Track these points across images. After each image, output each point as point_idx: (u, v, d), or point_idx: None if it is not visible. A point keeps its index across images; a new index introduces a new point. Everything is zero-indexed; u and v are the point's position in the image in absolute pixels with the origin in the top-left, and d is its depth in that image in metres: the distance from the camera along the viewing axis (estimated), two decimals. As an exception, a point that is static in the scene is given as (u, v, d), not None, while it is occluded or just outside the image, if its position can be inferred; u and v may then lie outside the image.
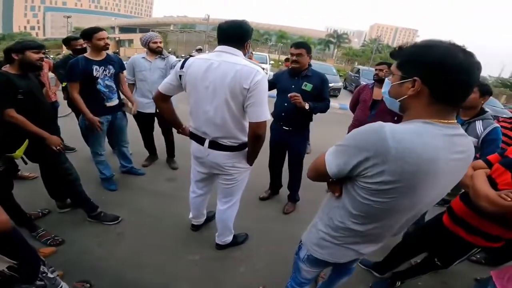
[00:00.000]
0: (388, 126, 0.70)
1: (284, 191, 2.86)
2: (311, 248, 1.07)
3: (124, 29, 52.69)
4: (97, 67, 2.22)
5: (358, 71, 12.56)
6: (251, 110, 1.36)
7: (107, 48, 2.28)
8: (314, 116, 2.41)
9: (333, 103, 2.81)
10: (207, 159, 1.60)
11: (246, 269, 1.95)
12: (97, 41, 2.17)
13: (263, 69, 5.79)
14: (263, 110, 1.37)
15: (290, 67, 2.31)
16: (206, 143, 1.53)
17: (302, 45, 2.18)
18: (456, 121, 0.76)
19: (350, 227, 0.90)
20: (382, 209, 0.80)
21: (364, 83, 3.13)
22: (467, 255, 1.43)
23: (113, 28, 51.87)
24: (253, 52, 9.23)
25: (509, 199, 1.04)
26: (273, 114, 2.48)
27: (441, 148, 0.71)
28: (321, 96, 2.30)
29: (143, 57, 2.75)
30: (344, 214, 0.90)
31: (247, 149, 1.60)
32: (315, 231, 1.04)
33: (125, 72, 2.62)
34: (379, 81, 2.50)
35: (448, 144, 0.72)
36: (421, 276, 1.77)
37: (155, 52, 2.72)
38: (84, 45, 2.63)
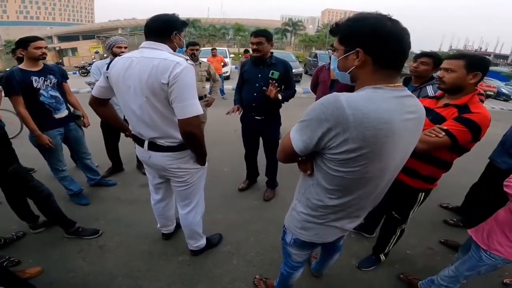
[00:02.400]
0: (343, 96, 0.73)
1: (262, 179, 2.91)
2: (296, 232, 1.08)
3: (64, 38, 48.05)
4: (36, 77, 2.08)
5: (316, 56, 13.19)
6: (175, 106, 1.25)
7: (44, 58, 2.13)
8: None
9: (297, 88, 2.92)
10: (150, 161, 1.53)
11: (239, 261, 1.96)
12: (33, 50, 2.03)
13: (223, 64, 5.70)
14: (190, 105, 1.25)
15: (252, 56, 2.32)
16: (145, 145, 1.46)
17: (262, 33, 2.18)
18: (401, 84, 0.81)
19: (328, 203, 0.92)
20: (354, 179, 0.83)
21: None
22: (416, 202, 1.56)
23: (50, 37, 47.14)
24: (216, 48, 9.11)
25: (433, 135, 1.25)
26: (242, 105, 2.49)
27: (393, 109, 0.74)
28: (288, 83, 2.35)
29: (107, 63, 2.59)
30: (320, 191, 0.92)
31: None
32: (296, 214, 1.05)
33: (89, 78, 2.47)
34: None
35: (400, 106, 0.76)
36: (396, 240, 1.84)
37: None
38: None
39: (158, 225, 2.04)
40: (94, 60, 13.22)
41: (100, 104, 1.51)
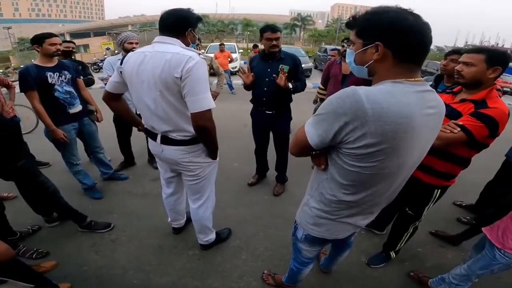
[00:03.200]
0: (362, 89, 0.71)
1: (271, 174, 2.91)
2: (308, 228, 1.07)
3: (75, 35, 48.96)
4: (51, 73, 2.12)
5: (325, 51, 12.95)
6: (188, 100, 1.26)
7: (58, 55, 2.18)
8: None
9: (307, 83, 2.90)
10: (162, 155, 1.54)
11: (248, 256, 1.97)
12: (48, 46, 2.08)
13: (230, 59, 5.62)
14: (203, 98, 1.26)
15: (261, 51, 2.31)
16: (158, 139, 1.48)
17: (278, 28, 2.20)
18: (421, 78, 0.79)
19: (342, 199, 0.90)
20: (371, 175, 0.81)
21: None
22: (432, 199, 1.52)
23: (62, 34, 48.14)
24: (224, 43, 9.12)
25: (448, 131, 1.22)
26: (253, 101, 2.48)
27: (414, 104, 0.72)
28: (297, 76, 2.32)
29: (119, 59, 2.63)
30: (334, 187, 0.89)
31: None
32: (308, 209, 1.03)
33: (102, 74, 2.50)
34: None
35: (420, 100, 0.75)
36: (408, 237, 1.82)
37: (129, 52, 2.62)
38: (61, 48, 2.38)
39: (169, 219, 2.06)
40: (105, 56, 13.42)
41: (114, 99, 1.53)
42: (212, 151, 1.54)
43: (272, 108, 2.37)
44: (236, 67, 10.02)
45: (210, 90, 3.45)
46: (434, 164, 1.40)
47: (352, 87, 0.73)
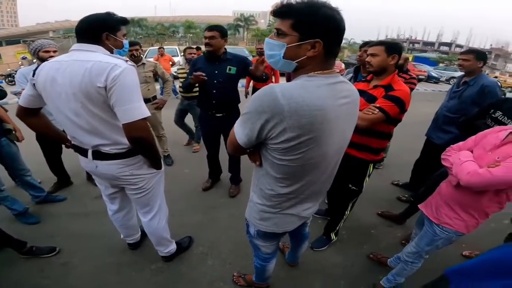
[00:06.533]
0: (277, 87, 0.74)
1: (224, 176, 2.91)
2: (256, 223, 1.10)
3: (-19, 44, 41.32)
4: None
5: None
6: (118, 110, 1.15)
7: None
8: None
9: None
10: (98, 171, 1.41)
11: (214, 261, 1.94)
12: None
13: (172, 63, 5.37)
14: (134, 108, 1.16)
15: (205, 52, 2.24)
16: (89, 154, 1.34)
17: (215, 28, 2.14)
18: (334, 70, 0.83)
19: (279, 192, 0.95)
20: (299, 166, 0.85)
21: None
22: (367, 172, 1.73)
23: (-35, 44, 40.06)
24: (164, 47, 8.70)
25: (369, 113, 1.45)
26: (201, 105, 2.42)
27: (326, 96, 0.77)
28: (249, 71, 2.27)
29: (34, 69, 2.28)
30: (270, 181, 0.94)
31: None
32: (253, 205, 1.07)
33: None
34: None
35: (333, 92, 0.79)
36: (346, 216, 1.94)
37: None
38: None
39: (122, 236, 1.92)
40: (22, 66, 11.60)
41: (30, 114, 1.34)
42: (153, 162, 1.44)
43: (221, 111, 2.33)
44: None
45: (154, 99, 3.22)
46: (368, 142, 1.62)
47: (270, 85, 0.77)
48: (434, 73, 16.22)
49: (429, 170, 2.25)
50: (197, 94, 2.51)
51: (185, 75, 3.39)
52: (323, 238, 2.09)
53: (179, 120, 3.71)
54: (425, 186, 2.06)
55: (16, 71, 11.57)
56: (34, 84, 1.23)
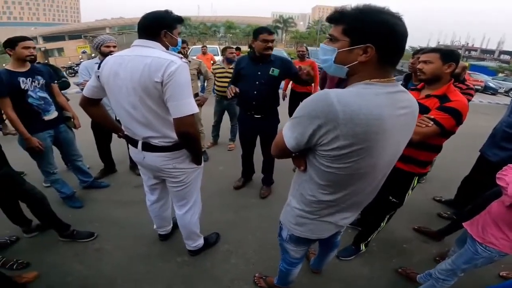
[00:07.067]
0: (333, 92, 0.72)
1: (257, 176, 2.91)
2: (291, 227, 1.08)
3: (49, 38, 46.65)
4: (24, 78, 2.01)
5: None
6: (170, 105, 1.22)
7: (32, 60, 2.07)
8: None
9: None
10: (144, 162, 1.49)
11: (238, 260, 1.95)
12: (21, 50, 1.97)
13: (213, 62, 5.57)
14: (185, 104, 1.22)
15: (259, 53, 2.16)
16: (139, 145, 1.43)
17: (275, 31, 2.14)
18: (394, 78, 0.81)
19: (321, 199, 0.93)
20: (346, 175, 0.82)
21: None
22: (411, 186, 1.63)
23: (35, 38, 45.72)
24: (207, 46, 9.02)
25: (423, 125, 1.35)
26: (241, 105, 2.45)
27: (384, 105, 0.74)
28: (293, 75, 2.27)
29: (96, 62, 2.52)
30: (313, 187, 0.92)
31: None
32: (290, 210, 1.06)
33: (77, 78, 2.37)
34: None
35: (391, 101, 0.76)
36: (381, 228, 1.86)
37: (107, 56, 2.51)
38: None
39: (155, 226, 2.01)
40: (81, 60, 12.88)
41: (92, 104, 1.47)
42: (196, 157, 1.51)
43: (261, 112, 2.34)
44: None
45: (197, 95, 3.38)
46: (414, 154, 1.52)
47: (325, 90, 0.74)
48: (492, 83, 14.56)
49: (480, 188, 2.05)
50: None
51: (220, 73, 3.49)
52: (351, 247, 2.01)
53: (218, 123, 3.84)
54: (474, 204, 1.90)
55: (76, 64, 12.94)
56: (98, 76, 1.34)
